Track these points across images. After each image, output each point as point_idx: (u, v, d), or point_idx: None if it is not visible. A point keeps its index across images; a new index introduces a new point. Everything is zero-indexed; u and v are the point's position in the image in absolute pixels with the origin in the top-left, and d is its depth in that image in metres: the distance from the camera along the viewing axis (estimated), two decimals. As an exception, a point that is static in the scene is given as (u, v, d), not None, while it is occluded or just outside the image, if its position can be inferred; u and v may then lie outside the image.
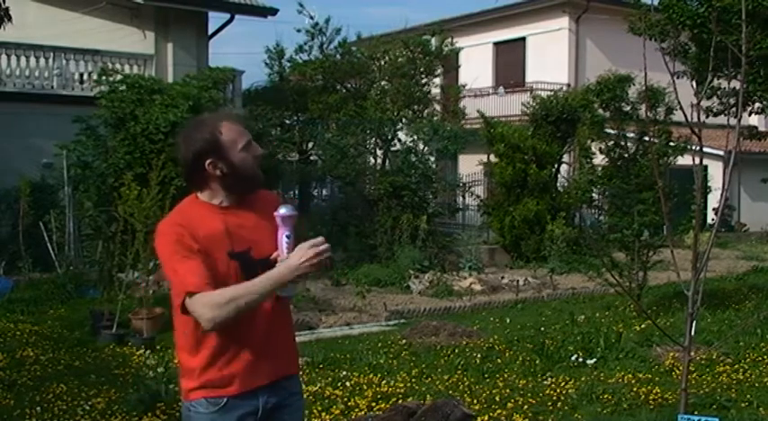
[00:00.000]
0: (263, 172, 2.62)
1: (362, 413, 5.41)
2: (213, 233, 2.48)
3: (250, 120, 14.89)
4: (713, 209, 19.36)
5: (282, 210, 2.47)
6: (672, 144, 9.89)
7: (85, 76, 15.41)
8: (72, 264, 11.31)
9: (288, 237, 2.47)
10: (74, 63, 15.43)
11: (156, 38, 16.51)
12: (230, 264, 2.49)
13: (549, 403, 5.81)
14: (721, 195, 3.86)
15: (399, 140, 16.03)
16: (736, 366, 6.90)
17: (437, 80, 18.98)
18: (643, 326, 8.59)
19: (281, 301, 2.58)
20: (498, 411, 5.54)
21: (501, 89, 23.32)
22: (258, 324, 2.52)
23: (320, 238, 2.42)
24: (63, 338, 8.06)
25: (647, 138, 9.91)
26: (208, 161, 2.50)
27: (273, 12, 17.21)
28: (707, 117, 8.75)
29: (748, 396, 5.97)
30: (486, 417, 5.38)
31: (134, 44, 16.17)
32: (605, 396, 5.94)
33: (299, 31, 19.05)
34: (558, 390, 6.11)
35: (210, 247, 2.46)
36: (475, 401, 5.79)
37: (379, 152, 16.05)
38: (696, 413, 4.43)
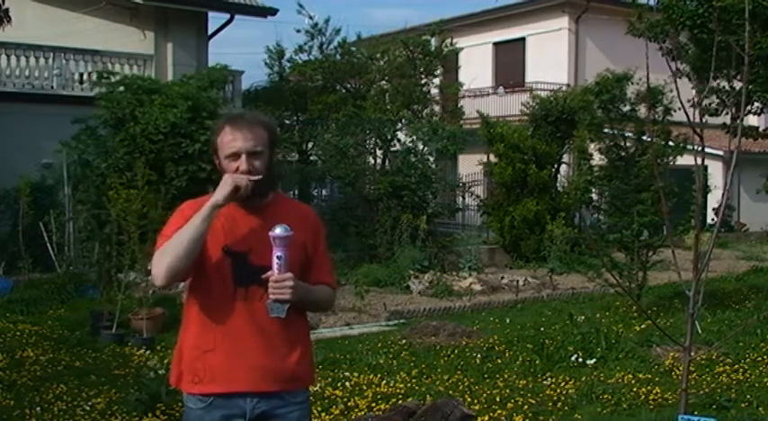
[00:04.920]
0: (267, 180, 2.54)
1: (362, 413, 5.42)
2: (211, 224, 2.50)
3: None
4: (713, 209, 19.36)
5: (277, 231, 2.43)
6: (671, 144, 9.88)
7: (85, 77, 15.40)
8: (72, 265, 11.29)
9: (279, 257, 2.44)
10: (73, 63, 15.42)
11: (156, 38, 16.51)
12: (223, 260, 2.50)
13: (549, 403, 5.82)
14: (722, 195, 3.87)
15: (399, 140, 16.02)
16: (736, 366, 6.90)
17: (437, 80, 18.97)
18: (643, 326, 8.59)
19: (288, 321, 2.54)
20: (498, 411, 5.54)
21: (501, 89, 23.31)
22: (251, 333, 2.52)
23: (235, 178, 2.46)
24: (63, 338, 8.05)
25: (646, 138, 9.90)
26: (214, 158, 2.59)
27: (273, 12, 17.21)
28: (707, 117, 8.74)
29: (748, 396, 5.97)
30: (486, 417, 5.38)
31: (133, 44, 16.17)
32: (605, 396, 5.94)
33: (298, 31, 19.03)
34: (558, 390, 6.12)
35: (207, 237, 2.48)
36: (475, 401, 5.79)
37: (378, 152, 16.03)
38: (696, 413, 4.43)
